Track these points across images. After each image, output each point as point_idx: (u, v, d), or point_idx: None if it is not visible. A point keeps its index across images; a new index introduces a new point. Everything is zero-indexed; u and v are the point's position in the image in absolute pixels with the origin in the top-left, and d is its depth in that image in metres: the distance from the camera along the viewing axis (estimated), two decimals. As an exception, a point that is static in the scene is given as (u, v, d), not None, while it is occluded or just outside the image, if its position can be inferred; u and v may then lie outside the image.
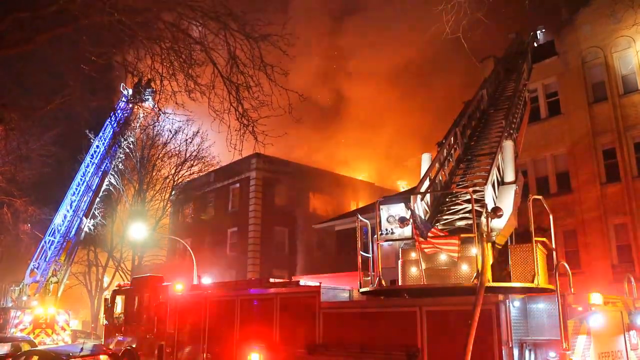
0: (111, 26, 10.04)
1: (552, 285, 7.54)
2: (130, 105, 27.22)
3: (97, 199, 27.47)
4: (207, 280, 17.18)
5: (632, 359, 7.85)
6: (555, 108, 22.14)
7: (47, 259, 25.31)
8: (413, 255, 8.26)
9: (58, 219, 26.39)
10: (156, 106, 24.77)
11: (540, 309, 7.34)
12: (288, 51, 10.83)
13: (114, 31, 10.23)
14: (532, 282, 7.60)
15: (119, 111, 27.86)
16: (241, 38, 10.75)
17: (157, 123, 31.91)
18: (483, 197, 8.39)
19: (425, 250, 7.65)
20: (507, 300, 7.05)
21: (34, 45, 10.17)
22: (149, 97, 25.70)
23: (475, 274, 7.39)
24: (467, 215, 8.74)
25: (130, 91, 26.07)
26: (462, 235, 8.01)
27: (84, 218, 26.32)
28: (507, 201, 8.89)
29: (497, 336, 6.93)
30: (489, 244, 7.83)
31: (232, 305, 11.36)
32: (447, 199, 9.66)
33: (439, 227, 8.84)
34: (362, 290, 8.96)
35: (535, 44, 21.02)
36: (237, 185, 36.19)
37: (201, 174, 35.62)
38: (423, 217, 8.93)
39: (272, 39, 10.72)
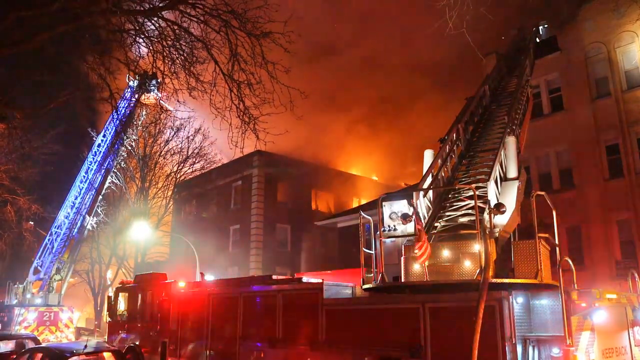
0: (112, 24, 10.03)
1: (555, 282, 7.54)
2: (135, 99, 27.07)
3: (100, 197, 27.50)
4: (209, 277, 17.22)
5: (636, 355, 7.84)
6: (558, 104, 22.06)
7: (53, 251, 25.38)
8: (416, 251, 8.25)
9: (61, 215, 26.47)
10: (160, 97, 24.78)
11: (543, 305, 7.34)
12: (290, 48, 10.81)
13: (116, 29, 10.22)
14: (536, 278, 7.59)
15: (121, 108, 27.76)
16: (242, 35, 10.75)
17: (159, 120, 31.96)
18: (486, 194, 8.37)
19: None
20: (510, 297, 7.05)
21: (36, 44, 10.14)
22: (154, 88, 25.62)
23: (478, 271, 7.37)
24: (469, 211, 8.71)
25: (136, 82, 25.96)
26: (465, 232, 8.01)
27: (87, 216, 26.36)
28: (510, 197, 8.86)
29: (500, 332, 6.94)
30: (492, 241, 7.82)
31: (234, 302, 11.38)
32: (449, 196, 9.64)
33: (442, 224, 8.84)
34: (364, 286, 8.97)
35: (538, 40, 20.90)
36: (240, 182, 36.19)
37: (203, 171, 35.68)
38: (426, 213, 8.93)
39: (273, 36, 10.70)
